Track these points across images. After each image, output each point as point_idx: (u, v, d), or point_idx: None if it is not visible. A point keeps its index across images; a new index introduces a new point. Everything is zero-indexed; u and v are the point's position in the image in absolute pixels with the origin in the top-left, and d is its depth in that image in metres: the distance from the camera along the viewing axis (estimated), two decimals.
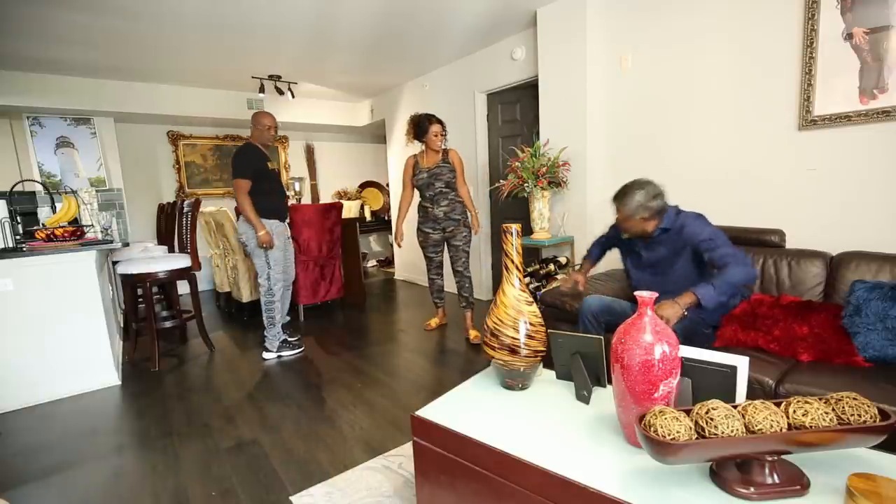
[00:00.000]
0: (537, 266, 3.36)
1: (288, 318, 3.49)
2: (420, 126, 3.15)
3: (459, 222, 3.21)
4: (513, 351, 1.40)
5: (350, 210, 6.15)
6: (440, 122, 3.15)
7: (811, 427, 0.88)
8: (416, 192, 3.29)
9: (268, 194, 2.99)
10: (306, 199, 6.48)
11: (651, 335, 1.05)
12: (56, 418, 2.41)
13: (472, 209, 3.27)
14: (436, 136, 3.12)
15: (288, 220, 3.25)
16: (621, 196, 2.01)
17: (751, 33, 2.35)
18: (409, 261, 5.65)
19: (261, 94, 4.82)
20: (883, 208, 2.03)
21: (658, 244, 2.08)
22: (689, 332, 1.86)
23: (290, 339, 3.26)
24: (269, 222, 2.98)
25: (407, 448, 1.95)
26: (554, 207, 3.36)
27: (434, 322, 3.61)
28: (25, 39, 3.34)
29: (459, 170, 3.19)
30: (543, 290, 3.00)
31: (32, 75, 4.10)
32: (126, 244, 2.93)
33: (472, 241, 3.33)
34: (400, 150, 5.49)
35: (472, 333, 3.25)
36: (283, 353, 3.18)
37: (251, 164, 2.92)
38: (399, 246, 3.42)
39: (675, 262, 2.06)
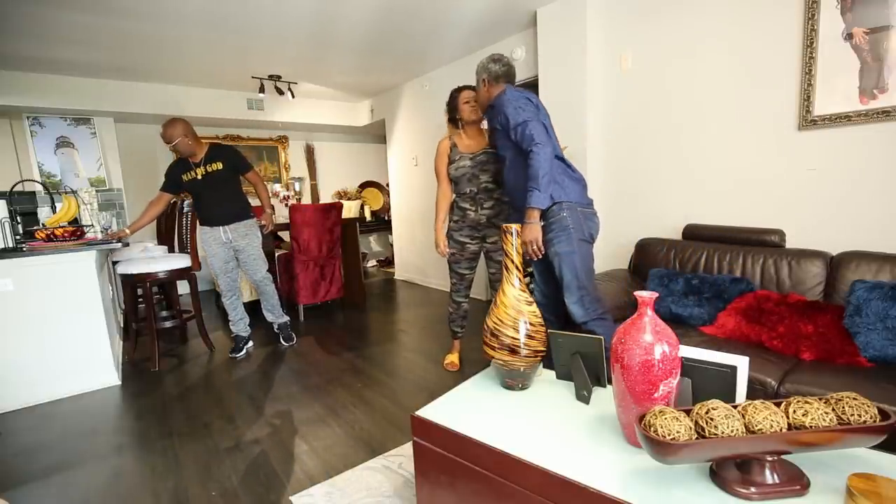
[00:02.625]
0: None
1: (287, 319, 3.49)
2: (451, 102, 2.51)
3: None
4: (513, 351, 1.40)
5: (350, 210, 6.14)
6: (473, 88, 2.46)
7: (811, 427, 0.88)
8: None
9: (195, 203, 3.12)
10: (306, 199, 6.48)
11: (651, 335, 1.04)
12: (56, 418, 2.41)
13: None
14: (466, 102, 2.44)
15: (233, 224, 3.09)
16: None
17: (751, 33, 2.35)
18: (409, 261, 5.65)
19: (261, 94, 4.82)
20: (883, 208, 2.03)
21: (492, 126, 2.12)
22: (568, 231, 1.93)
23: (239, 345, 3.26)
24: (200, 229, 3.14)
25: (407, 448, 1.95)
26: None
27: (456, 358, 2.84)
28: (25, 39, 3.34)
29: None
30: None
31: (32, 75, 4.10)
32: (126, 244, 2.93)
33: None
34: (399, 150, 5.49)
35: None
36: (236, 355, 3.22)
37: (167, 179, 3.08)
38: (444, 255, 2.60)
39: (498, 145, 2.12)
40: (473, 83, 2.24)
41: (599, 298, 2.01)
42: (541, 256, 1.94)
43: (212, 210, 3.05)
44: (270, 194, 5.02)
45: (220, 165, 3.02)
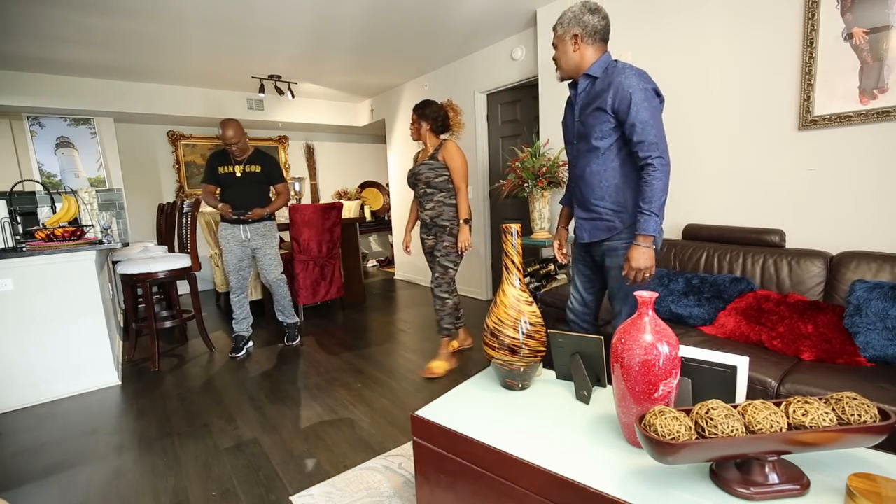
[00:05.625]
0: (537, 266, 3.36)
1: (297, 320, 3.50)
2: (436, 113, 2.74)
3: (446, 230, 2.67)
4: (513, 351, 1.40)
5: (350, 210, 6.15)
6: (415, 107, 2.72)
7: (811, 427, 0.88)
8: None
9: (223, 197, 3.14)
10: (306, 199, 6.48)
11: (651, 335, 1.04)
12: (56, 418, 2.41)
13: (460, 218, 2.65)
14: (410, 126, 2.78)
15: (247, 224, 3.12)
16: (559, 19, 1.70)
17: (751, 33, 2.35)
18: (409, 261, 5.65)
19: (261, 94, 4.82)
20: (883, 208, 2.03)
21: (588, 104, 1.67)
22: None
23: (239, 345, 3.26)
24: (220, 225, 3.18)
25: (407, 448, 1.95)
26: (554, 207, 3.36)
27: (454, 344, 3.00)
28: (25, 39, 3.34)
29: (452, 168, 2.62)
30: (543, 290, 3.00)
31: (32, 75, 4.10)
32: (126, 244, 2.94)
33: (460, 250, 2.69)
34: (399, 150, 5.49)
35: (433, 365, 2.71)
36: (236, 355, 3.21)
37: (207, 170, 3.14)
38: (407, 253, 2.88)
39: (594, 132, 1.66)
40: (471, 84, 2.23)
41: None
42: (647, 281, 1.65)
43: (237, 207, 3.10)
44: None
45: (258, 168, 3.12)
